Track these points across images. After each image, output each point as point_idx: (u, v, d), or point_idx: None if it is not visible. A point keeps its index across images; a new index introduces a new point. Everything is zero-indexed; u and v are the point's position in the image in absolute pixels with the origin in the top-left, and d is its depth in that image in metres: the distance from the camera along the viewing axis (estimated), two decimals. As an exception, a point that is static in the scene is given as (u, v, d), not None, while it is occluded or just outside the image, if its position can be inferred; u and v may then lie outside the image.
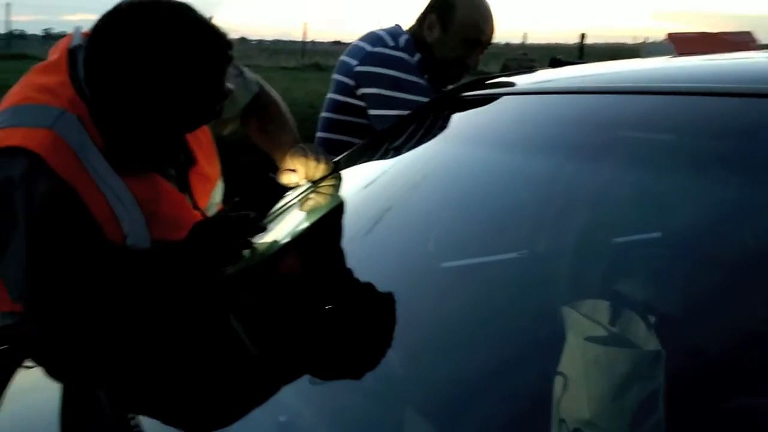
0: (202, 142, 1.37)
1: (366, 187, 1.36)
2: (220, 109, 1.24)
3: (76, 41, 1.22)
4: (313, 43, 24.56)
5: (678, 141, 1.07)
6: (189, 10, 1.14)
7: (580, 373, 1.00)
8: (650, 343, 1.00)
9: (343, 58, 1.93)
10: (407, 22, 1.99)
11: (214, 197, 1.41)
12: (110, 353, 1.06)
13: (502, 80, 1.46)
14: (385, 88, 1.77)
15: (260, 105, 1.52)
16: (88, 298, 1.12)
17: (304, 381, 1.01)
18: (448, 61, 1.87)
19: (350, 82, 1.86)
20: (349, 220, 1.28)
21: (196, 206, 1.32)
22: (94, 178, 1.15)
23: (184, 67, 1.12)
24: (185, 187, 1.31)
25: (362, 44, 1.88)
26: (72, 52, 1.21)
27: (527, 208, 1.18)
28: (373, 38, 1.88)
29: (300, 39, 21.44)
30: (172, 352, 1.06)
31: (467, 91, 1.47)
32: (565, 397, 0.98)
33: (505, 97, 1.39)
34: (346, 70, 1.88)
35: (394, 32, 1.89)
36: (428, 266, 1.19)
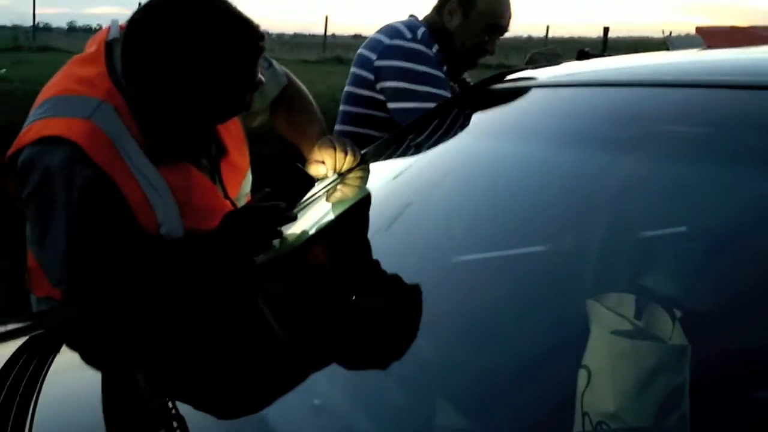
0: (232, 133, 1.39)
1: (393, 179, 1.37)
2: (251, 100, 1.26)
3: (114, 34, 1.26)
4: (333, 36, 24.45)
5: (708, 134, 1.07)
6: (222, 3, 1.17)
7: (605, 367, 1.00)
8: (676, 337, 1.00)
9: (361, 51, 1.93)
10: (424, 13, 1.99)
11: (244, 187, 1.43)
12: (146, 338, 1.09)
13: (529, 73, 1.46)
14: (405, 81, 1.78)
15: (288, 97, 1.54)
16: (125, 283, 1.16)
17: (333, 367, 1.03)
18: (467, 48, 1.87)
19: (369, 75, 1.86)
20: (375, 212, 1.29)
21: (227, 196, 1.35)
22: (130, 168, 1.19)
23: (217, 59, 1.14)
24: (217, 178, 1.34)
25: (380, 37, 1.89)
26: (109, 45, 1.24)
27: (554, 202, 1.18)
28: (391, 31, 1.88)
29: (320, 32, 21.42)
30: (205, 337, 1.08)
31: (494, 84, 1.47)
32: (589, 390, 0.99)
33: (533, 90, 1.39)
34: (365, 63, 1.88)
35: (412, 24, 1.89)
36: (454, 259, 1.20)
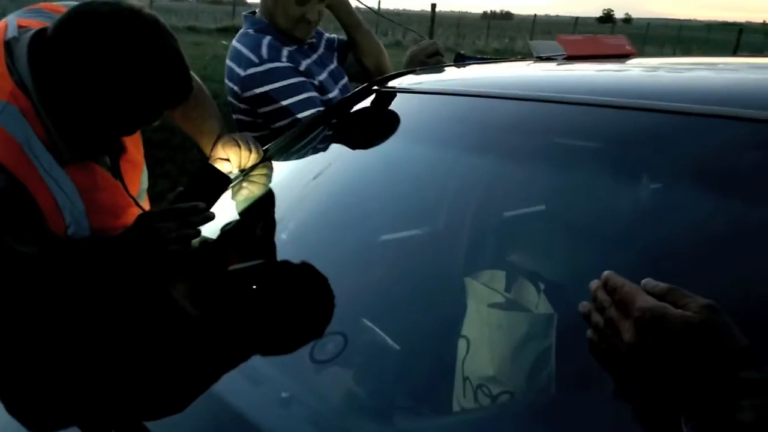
0: None
1: (295, 176, 1.43)
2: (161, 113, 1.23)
3: (12, 32, 1.19)
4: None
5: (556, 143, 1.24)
6: (152, 24, 1.13)
7: (483, 336, 1.13)
8: (541, 306, 1.14)
9: (227, 71, 1.89)
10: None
11: (142, 183, 1.41)
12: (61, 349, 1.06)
13: (413, 78, 1.61)
14: (275, 103, 1.78)
15: None
16: (34, 286, 1.12)
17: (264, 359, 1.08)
18: (291, 27, 1.84)
19: (242, 105, 1.83)
20: (278, 207, 1.35)
21: (128, 193, 1.32)
22: (39, 171, 1.14)
23: (140, 82, 1.11)
24: (117, 175, 1.31)
25: (234, 67, 1.84)
26: (8, 44, 1.17)
27: (431, 194, 1.30)
28: (240, 58, 1.83)
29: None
30: (132, 343, 1.08)
31: (381, 86, 1.60)
32: (469, 357, 1.11)
33: (415, 95, 1.55)
34: (232, 91, 1.84)
35: (255, 41, 1.83)
36: (348, 245, 1.28)
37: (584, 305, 0.81)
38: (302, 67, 1.83)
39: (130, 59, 1.09)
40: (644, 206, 1.08)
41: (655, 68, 1.56)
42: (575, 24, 33.10)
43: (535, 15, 32.22)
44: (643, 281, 0.74)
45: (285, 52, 1.82)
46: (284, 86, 1.76)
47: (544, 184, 1.21)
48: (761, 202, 0.95)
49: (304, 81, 1.79)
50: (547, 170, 1.20)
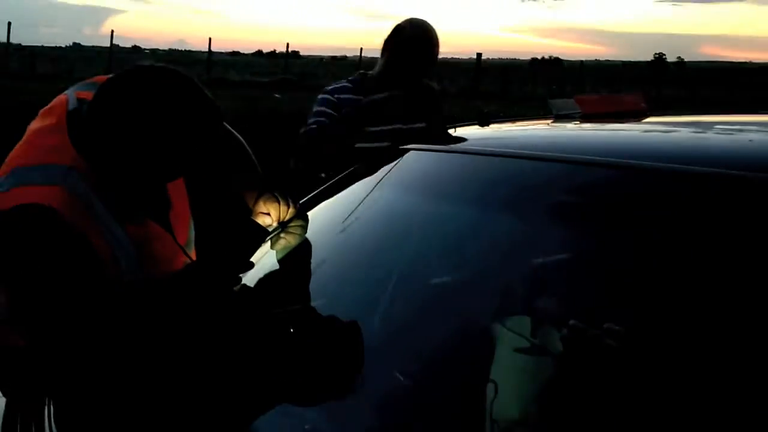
0: (176, 184, 1.51)
1: (326, 227, 1.57)
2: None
3: (72, 104, 1.35)
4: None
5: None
6: (189, 83, 1.30)
7: (509, 380, 1.17)
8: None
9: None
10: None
11: (190, 233, 1.55)
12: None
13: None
14: None
15: (225, 146, 1.66)
16: (96, 329, 1.24)
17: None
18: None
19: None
20: (312, 256, 1.49)
21: (177, 243, 1.46)
22: (98, 226, 1.28)
23: (175, 136, 1.27)
24: (167, 228, 1.45)
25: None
26: (71, 115, 1.34)
27: (460, 246, 1.40)
28: None
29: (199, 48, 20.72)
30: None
31: (413, 144, 1.73)
32: (497, 401, 1.16)
33: (439, 155, 1.68)
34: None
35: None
36: (382, 291, 1.38)
37: None
38: None
39: (166, 106, 1.27)
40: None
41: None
42: (622, 68, 32.64)
43: (582, 61, 31.86)
44: None
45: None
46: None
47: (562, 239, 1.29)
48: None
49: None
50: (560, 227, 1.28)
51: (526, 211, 1.35)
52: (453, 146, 1.68)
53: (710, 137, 1.57)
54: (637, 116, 1.68)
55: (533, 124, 1.84)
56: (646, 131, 1.63)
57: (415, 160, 1.63)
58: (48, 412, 1.25)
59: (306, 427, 1.02)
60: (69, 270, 1.22)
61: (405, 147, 1.66)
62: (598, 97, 1.70)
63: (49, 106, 1.40)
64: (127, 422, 1.15)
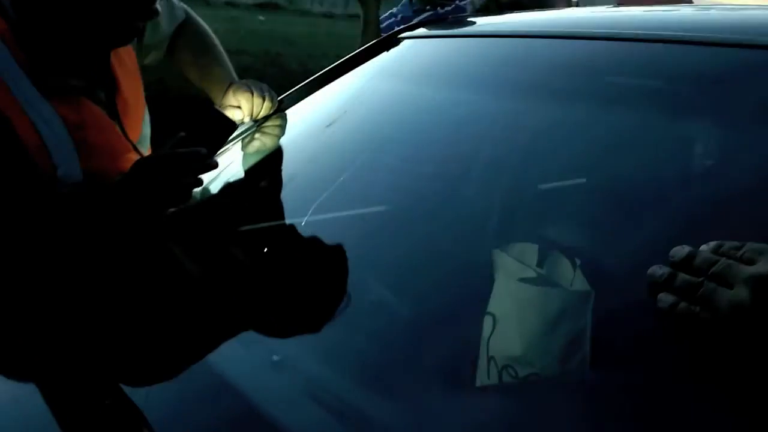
0: (128, 67, 1.28)
1: (311, 126, 1.33)
2: (143, 28, 1.16)
3: None
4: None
5: (610, 87, 1.11)
6: None
7: (511, 313, 1.03)
8: (577, 284, 1.05)
9: None
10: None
11: (144, 127, 1.32)
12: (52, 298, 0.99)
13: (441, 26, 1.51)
14: None
15: (189, 34, 1.44)
16: (22, 230, 1.04)
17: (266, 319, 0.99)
18: None
19: None
20: (293, 161, 1.25)
21: (127, 138, 1.24)
22: (20, 102, 1.06)
23: None
24: (113, 115, 1.22)
25: None
26: None
27: (460, 151, 1.20)
28: None
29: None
30: (127, 294, 1.00)
31: (411, 32, 1.49)
32: (495, 336, 1.02)
33: (451, 39, 1.43)
34: None
35: None
36: (363, 204, 1.19)
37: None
38: None
39: None
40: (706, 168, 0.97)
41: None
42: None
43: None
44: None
45: None
46: None
47: (590, 144, 1.10)
48: None
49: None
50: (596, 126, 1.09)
51: (536, 99, 1.15)
52: (454, 31, 1.45)
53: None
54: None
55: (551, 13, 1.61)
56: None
57: (411, 48, 1.41)
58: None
59: (274, 357, 0.85)
60: None
61: (401, 36, 1.44)
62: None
63: None
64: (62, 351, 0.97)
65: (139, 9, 1.10)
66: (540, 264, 1.09)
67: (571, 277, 1.06)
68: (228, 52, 1.46)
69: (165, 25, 1.37)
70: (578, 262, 1.06)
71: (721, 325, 0.60)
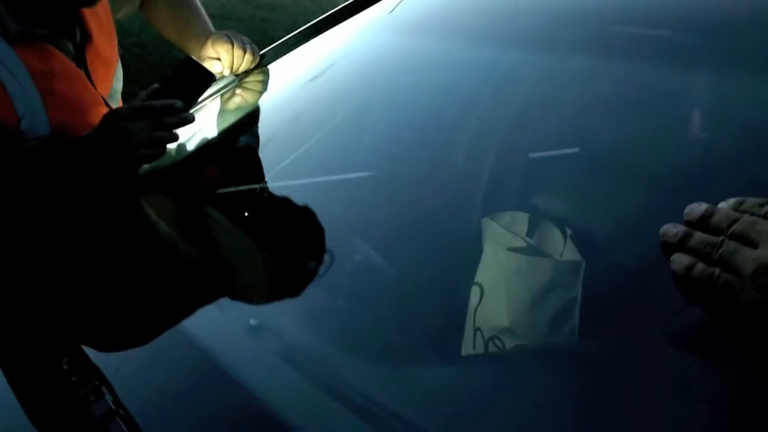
0: (101, 19, 1.21)
1: (294, 81, 1.27)
2: None
3: None
4: None
5: (605, 37, 1.06)
6: None
7: (499, 283, 1.00)
8: (567, 254, 1.02)
9: None
10: None
11: (115, 84, 1.25)
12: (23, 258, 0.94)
13: None
14: None
15: None
16: None
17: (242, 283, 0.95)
18: None
19: None
20: (275, 119, 1.19)
21: (95, 90, 1.18)
22: None
23: None
24: (82, 65, 1.16)
25: None
26: None
27: (452, 116, 1.15)
28: None
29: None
30: (99, 257, 0.95)
31: None
32: (482, 306, 0.99)
33: None
34: None
35: None
36: (347, 165, 1.14)
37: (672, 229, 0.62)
38: None
39: None
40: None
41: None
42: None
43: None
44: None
45: None
46: None
47: (583, 113, 1.06)
48: None
49: None
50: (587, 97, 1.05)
51: (535, 52, 1.09)
52: None
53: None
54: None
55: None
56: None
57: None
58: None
59: (251, 321, 0.81)
60: None
61: None
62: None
63: None
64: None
65: None
66: (530, 233, 1.06)
67: (562, 247, 1.03)
68: (211, 16, 1.40)
69: None
70: (569, 231, 1.03)
71: (745, 287, 0.53)
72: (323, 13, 1.36)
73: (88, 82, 1.16)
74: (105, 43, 1.21)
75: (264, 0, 7.42)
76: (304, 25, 1.60)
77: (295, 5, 6.97)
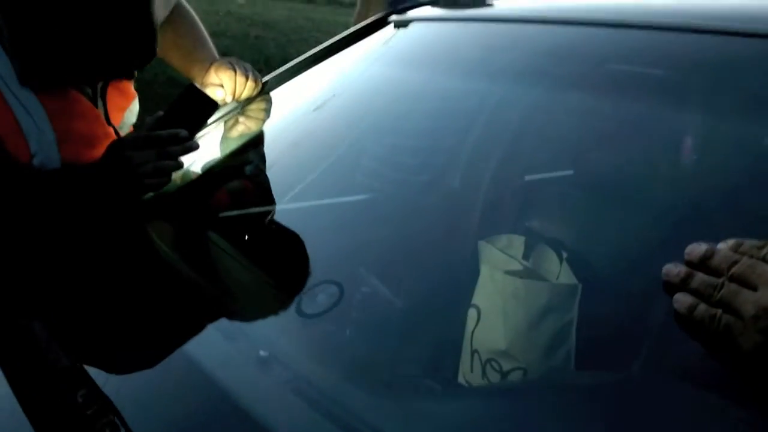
0: None
1: (296, 109, 1.29)
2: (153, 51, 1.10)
3: None
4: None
5: (596, 76, 1.09)
6: None
7: (496, 306, 1.02)
8: (563, 277, 1.04)
9: None
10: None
11: (128, 116, 1.26)
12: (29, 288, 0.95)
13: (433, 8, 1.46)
14: None
15: (176, 16, 1.38)
16: None
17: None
18: None
19: None
20: (278, 144, 1.21)
21: (108, 121, 1.19)
22: (3, 91, 1.01)
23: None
24: (101, 100, 1.17)
25: None
26: None
27: (448, 141, 1.17)
28: None
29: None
30: (104, 284, 0.96)
31: (401, 15, 1.45)
32: (479, 329, 1.01)
33: (439, 23, 1.39)
34: None
35: None
36: (349, 192, 1.16)
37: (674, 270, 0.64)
38: None
39: None
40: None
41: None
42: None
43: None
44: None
45: None
46: None
47: (578, 136, 1.08)
48: None
49: None
50: (582, 120, 1.07)
51: (529, 86, 1.12)
52: (446, 14, 1.40)
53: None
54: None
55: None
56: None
57: (401, 31, 1.36)
58: None
59: (261, 353, 0.83)
60: None
61: (391, 19, 1.40)
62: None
63: None
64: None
65: (138, 54, 1.06)
66: (526, 256, 1.08)
67: (558, 269, 1.05)
68: (206, 34, 1.42)
69: (160, 10, 1.31)
70: (565, 255, 1.05)
71: (746, 329, 0.55)
72: (317, 30, 1.39)
73: (104, 119, 1.17)
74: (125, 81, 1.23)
75: (258, 18, 7.47)
76: (298, 42, 1.60)
77: (288, 22, 7.01)
